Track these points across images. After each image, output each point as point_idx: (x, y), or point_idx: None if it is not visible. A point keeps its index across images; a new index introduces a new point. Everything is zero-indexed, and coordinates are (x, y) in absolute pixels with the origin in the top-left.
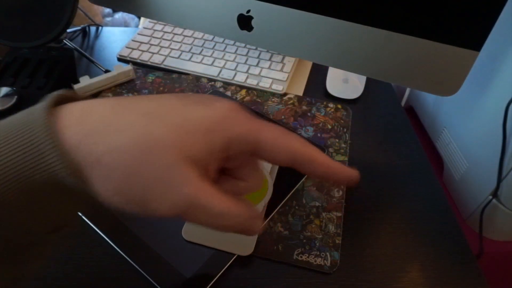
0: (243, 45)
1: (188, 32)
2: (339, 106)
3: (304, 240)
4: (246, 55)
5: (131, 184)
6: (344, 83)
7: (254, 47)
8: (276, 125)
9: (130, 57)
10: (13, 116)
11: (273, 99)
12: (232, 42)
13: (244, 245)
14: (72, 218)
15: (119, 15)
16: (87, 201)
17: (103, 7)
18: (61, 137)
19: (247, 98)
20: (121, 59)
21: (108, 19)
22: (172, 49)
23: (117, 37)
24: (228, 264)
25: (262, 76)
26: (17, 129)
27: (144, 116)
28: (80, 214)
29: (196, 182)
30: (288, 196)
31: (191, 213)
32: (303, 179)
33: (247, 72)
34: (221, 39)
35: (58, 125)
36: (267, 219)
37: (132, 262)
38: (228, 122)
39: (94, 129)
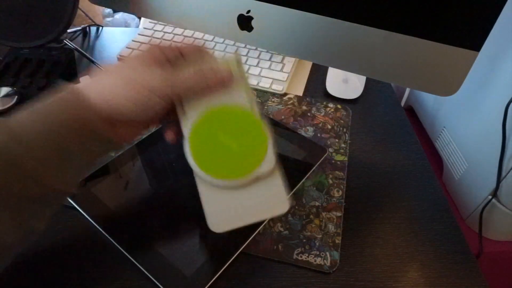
0: (243, 45)
1: (188, 32)
2: (339, 106)
3: (304, 240)
4: (246, 55)
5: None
6: (344, 83)
7: (254, 47)
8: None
9: None
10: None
11: (273, 99)
12: (232, 42)
13: (277, 204)
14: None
15: (119, 16)
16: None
17: (103, 8)
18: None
19: None
20: (122, 60)
21: (109, 19)
22: None
23: (117, 37)
24: (228, 264)
25: (262, 76)
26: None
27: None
28: (82, 212)
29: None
30: (288, 196)
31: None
32: (303, 179)
33: (247, 72)
34: (221, 39)
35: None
36: (267, 219)
37: (133, 260)
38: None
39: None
